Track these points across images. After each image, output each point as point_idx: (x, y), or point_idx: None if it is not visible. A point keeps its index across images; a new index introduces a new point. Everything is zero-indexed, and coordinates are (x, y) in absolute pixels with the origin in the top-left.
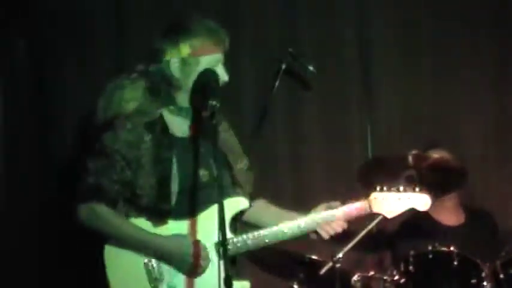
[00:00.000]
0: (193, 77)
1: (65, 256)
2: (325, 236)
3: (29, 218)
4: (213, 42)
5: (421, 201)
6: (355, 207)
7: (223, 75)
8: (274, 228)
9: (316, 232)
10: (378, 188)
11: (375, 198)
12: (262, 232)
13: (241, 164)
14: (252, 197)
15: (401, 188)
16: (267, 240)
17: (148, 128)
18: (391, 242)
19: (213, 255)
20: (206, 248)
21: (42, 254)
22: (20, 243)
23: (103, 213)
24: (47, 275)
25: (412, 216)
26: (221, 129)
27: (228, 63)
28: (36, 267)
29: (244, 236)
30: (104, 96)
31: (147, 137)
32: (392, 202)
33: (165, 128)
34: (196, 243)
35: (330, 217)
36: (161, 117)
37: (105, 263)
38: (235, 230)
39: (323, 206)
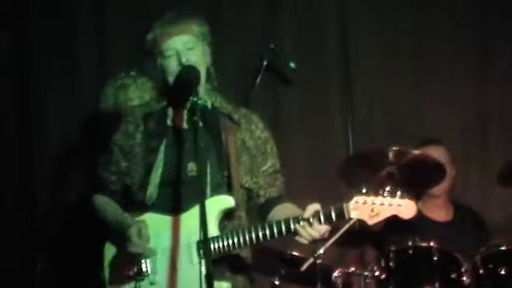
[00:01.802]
0: (165, 72)
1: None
2: (304, 241)
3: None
4: (158, 33)
5: (405, 208)
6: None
7: (189, 58)
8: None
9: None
10: (360, 191)
11: (356, 202)
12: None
13: (265, 167)
14: (279, 200)
15: (385, 193)
16: (253, 236)
17: (146, 118)
18: (377, 238)
19: (194, 254)
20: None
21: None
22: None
23: (101, 203)
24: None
25: None
26: (246, 135)
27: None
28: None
29: (231, 234)
30: (108, 98)
31: (141, 127)
32: (374, 207)
33: (163, 118)
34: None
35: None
36: (164, 108)
37: (103, 259)
38: (223, 229)
39: (309, 209)
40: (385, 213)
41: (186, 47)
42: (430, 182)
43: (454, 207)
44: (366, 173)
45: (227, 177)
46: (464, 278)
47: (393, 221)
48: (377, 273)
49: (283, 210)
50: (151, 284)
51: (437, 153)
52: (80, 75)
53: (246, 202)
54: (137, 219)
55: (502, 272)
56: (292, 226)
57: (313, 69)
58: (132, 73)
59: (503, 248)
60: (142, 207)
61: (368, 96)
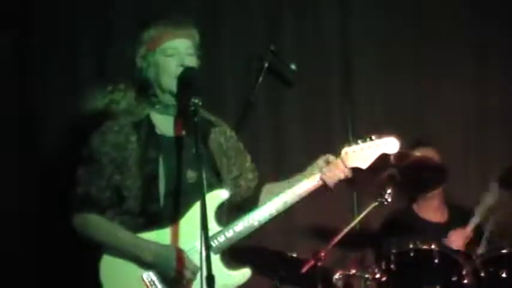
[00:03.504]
0: (155, 69)
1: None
2: (331, 184)
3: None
4: (164, 31)
5: (389, 144)
6: (330, 169)
7: (188, 62)
8: (262, 207)
9: (324, 186)
10: (346, 144)
11: (346, 153)
12: (251, 216)
13: (247, 163)
14: (258, 188)
15: (368, 139)
16: (256, 224)
17: (135, 128)
18: (375, 240)
19: (196, 258)
20: (191, 260)
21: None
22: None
23: (94, 222)
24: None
25: (398, 214)
26: (222, 138)
27: (209, 61)
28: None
29: (232, 225)
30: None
31: (133, 137)
32: (364, 152)
33: (152, 127)
34: (180, 254)
35: (302, 193)
36: (148, 117)
37: (100, 272)
38: (220, 222)
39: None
40: (374, 154)
41: (187, 51)
42: (431, 184)
43: (448, 209)
44: (367, 175)
45: (219, 180)
46: (465, 281)
47: (391, 224)
48: (378, 276)
49: (272, 188)
50: None
51: (426, 154)
52: (81, 77)
53: (232, 205)
54: (148, 233)
55: (503, 275)
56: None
57: (314, 69)
58: (121, 86)
59: (504, 251)
60: (149, 220)
61: (368, 97)
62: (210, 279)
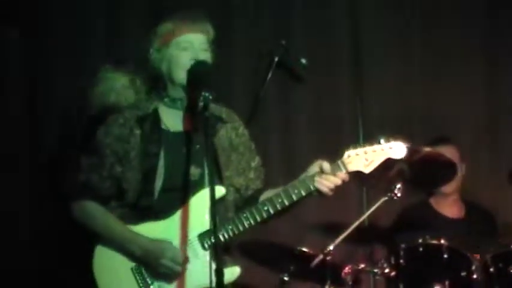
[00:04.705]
0: (167, 62)
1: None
2: (327, 191)
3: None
4: (180, 25)
5: (395, 149)
6: (326, 177)
7: (202, 57)
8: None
9: (317, 191)
10: (351, 147)
11: (349, 156)
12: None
13: (254, 162)
14: (263, 190)
15: (375, 143)
16: (265, 208)
17: (140, 122)
18: (387, 235)
19: (198, 249)
20: (178, 253)
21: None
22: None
23: (93, 211)
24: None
25: (415, 208)
26: (233, 134)
27: (219, 56)
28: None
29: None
30: (98, 87)
31: (137, 131)
32: (368, 156)
33: (157, 121)
34: (170, 247)
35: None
36: (155, 111)
37: (93, 263)
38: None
39: (315, 165)
40: (379, 159)
41: (201, 47)
42: (441, 180)
43: (465, 205)
44: (377, 171)
45: (219, 178)
46: (475, 276)
47: (407, 218)
48: (387, 271)
49: (270, 194)
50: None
51: (446, 152)
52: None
53: (236, 204)
54: (141, 226)
55: None
56: (311, 181)
57: (324, 67)
58: (122, 67)
59: None
60: (142, 214)
61: (379, 94)
62: (219, 272)
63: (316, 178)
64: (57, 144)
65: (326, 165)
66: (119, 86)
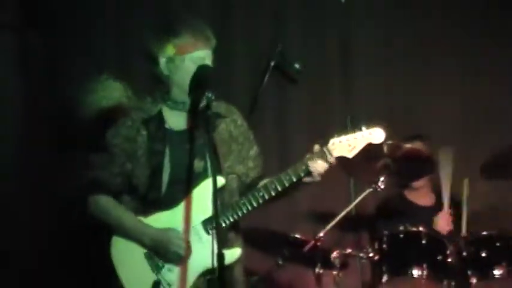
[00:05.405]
0: (181, 73)
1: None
2: (315, 173)
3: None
4: (195, 41)
5: (375, 134)
6: (314, 160)
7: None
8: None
9: (308, 174)
10: (336, 135)
11: (333, 143)
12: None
13: (252, 151)
14: (261, 178)
15: (356, 130)
16: (261, 194)
17: (145, 123)
18: (370, 223)
19: (202, 234)
20: (182, 240)
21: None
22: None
23: (104, 204)
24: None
25: (392, 199)
26: (232, 126)
27: (220, 59)
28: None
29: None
30: (92, 95)
31: (144, 132)
32: (350, 142)
33: (161, 122)
34: (176, 235)
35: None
36: (160, 112)
37: (110, 252)
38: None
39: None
40: (360, 144)
41: (207, 60)
42: (420, 173)
43: (435, 195)
44: (364, 164)
45: (219, 169)
46: (449, 260)
47: (385, 208)
48: (371, 255)
49: (266, 181)
50: (169, 270)
51: (418, 148)
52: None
53: (239, 190)
54: (150, 217)
55: (483, 255)
56: (304, 166)
57: (316, 69)
58: (112, 76)
59: (484, 233)
60: (151, 205)
61: (367, 95)
62: (220, 257)
63: (308, 157)
64: (57, 144)
65: (316, 147)
66: (113, 95)
